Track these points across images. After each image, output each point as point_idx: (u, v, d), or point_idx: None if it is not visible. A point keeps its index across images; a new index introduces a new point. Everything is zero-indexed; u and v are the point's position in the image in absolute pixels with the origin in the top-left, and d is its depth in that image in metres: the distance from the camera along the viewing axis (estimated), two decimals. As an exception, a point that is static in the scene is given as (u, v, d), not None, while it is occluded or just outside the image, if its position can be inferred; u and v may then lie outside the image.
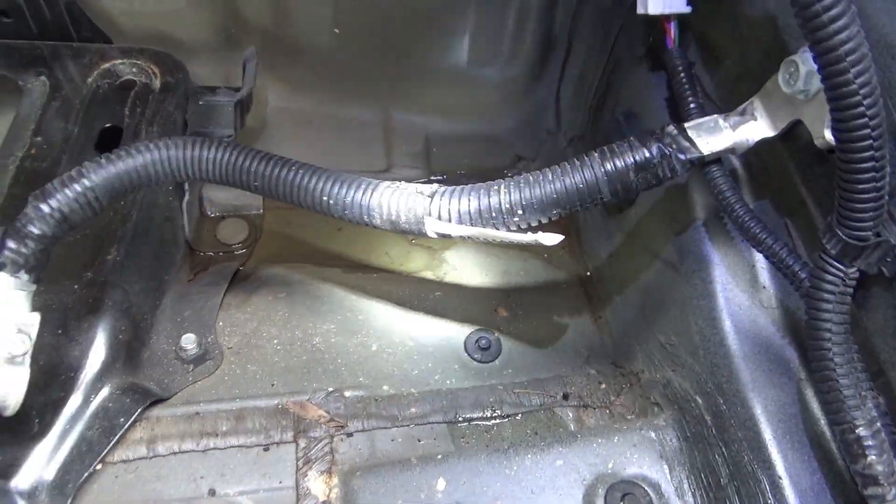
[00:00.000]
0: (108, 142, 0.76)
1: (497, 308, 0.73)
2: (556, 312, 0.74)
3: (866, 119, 0.36)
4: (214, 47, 0.86)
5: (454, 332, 0.70)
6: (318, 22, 0.80)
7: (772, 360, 0.51)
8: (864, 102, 0.36)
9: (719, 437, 0.52)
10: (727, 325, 0.53)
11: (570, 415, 0.63)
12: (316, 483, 0.58)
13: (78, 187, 0.53)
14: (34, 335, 0.53)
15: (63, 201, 0.53)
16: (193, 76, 0.83)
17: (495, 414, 0.63)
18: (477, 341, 0.69)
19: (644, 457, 0.56)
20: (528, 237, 0.47)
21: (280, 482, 0.59)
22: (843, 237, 0.40)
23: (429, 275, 0.78)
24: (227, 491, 0.58)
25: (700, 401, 0.54)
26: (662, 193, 0.62)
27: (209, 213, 0.84)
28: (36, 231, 0.53)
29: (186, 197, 0.78)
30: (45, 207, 0.53)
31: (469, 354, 0.69)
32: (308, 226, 0.84)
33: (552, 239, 0.48)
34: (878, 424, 0.41)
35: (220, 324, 0.70)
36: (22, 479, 0.55)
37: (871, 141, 0.37)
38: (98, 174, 0.54)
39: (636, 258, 0.66)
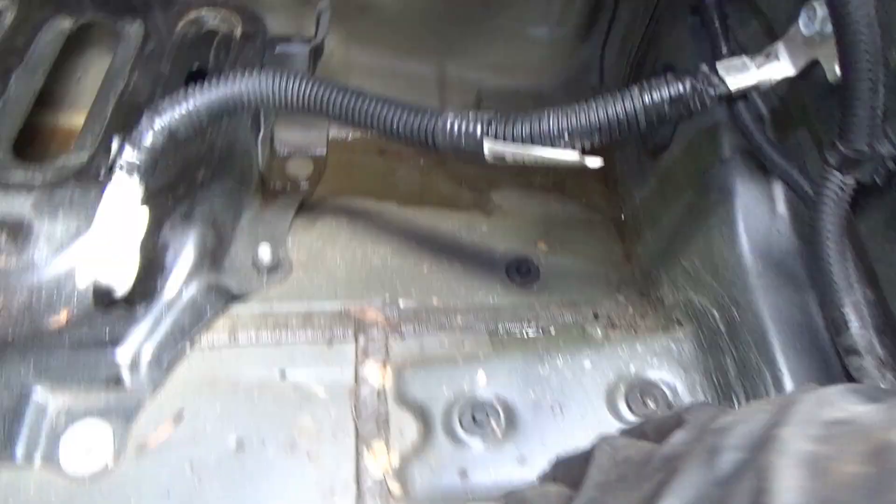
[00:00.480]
0: (195, 82, 0.85)
1: (537, 242, 0.81)
2: (591, 248, 0.81)
3: (864, 48, 0.43)
4: (288, 2, 0.95)
5: (497, 258, 0.78)
6: (386, -20, 0.89)
7: (783, 277, 0.58)
8: (863, 36, 0.43)
9: (731, 342, 0.59)
10: (745, 247, 0.59)
11: (599, 332, 0.71)
12: (372, 372, 0.67)
13: (185, 107, 0.63)
14: (144, 226, 0.63)
15: (172, 118, 0.62)
16: (268, 27, 0.92)
17: (531, 327, 0.71)
18: (518, 267, 0.77)
19: (663, 362, 0.63)
20: (573, 155, 0.55)
21: (341, 371, 0.68)
22: (843, 150, 0.47)
23: (476, 212, 0.85)
24: (296, 375, 0.67)
25: (716, 314, 0.61)
26: (693, 139, 0.69)
27: (279, 151, 0.93)
28: (148, 142, 0.62)
29: (261, 133, 0.87)
30: (156, 122, 0.62)
31: (510, 278, 0.76)
32: (366, 166, 0.93)
33: (594, 161, 0.55)
34: (864, 308, 0.47)
35: (290, 243, 0.79)
36: (126, 349, 0.65)
37: (867, 66, 0.43)
38: (202, 96, 0.63)
39: (667, 199, 0.73)
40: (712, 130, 0.66)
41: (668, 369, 0.63)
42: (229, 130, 0.80)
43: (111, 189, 0.62)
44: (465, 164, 0.90)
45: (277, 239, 0.78)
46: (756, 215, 0.60)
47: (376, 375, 0.67)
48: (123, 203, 0.62)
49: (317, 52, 0.86)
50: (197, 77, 0.85)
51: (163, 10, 0.90)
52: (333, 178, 0.91)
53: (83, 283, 0.61)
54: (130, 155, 0.62)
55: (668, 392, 0.61)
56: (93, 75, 0.93)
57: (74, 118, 0.93)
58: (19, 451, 0.60)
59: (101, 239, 0.60)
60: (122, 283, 0.62)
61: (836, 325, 0.48)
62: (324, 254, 0.78)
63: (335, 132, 0.96)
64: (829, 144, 0.49)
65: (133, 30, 0.88)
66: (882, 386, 0.46)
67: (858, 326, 0.47)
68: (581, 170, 0.88)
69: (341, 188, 0.89)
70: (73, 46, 0.89)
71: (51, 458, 0.61)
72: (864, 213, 0.50)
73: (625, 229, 0.83)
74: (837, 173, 0.48)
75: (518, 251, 0.79)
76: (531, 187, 0.89)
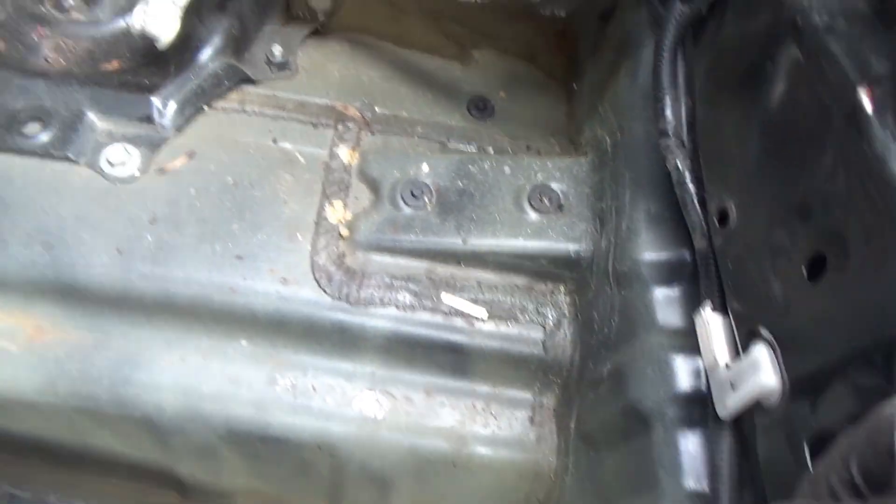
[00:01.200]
0: None
1: (500, 91, 0.98)
2: (542, 104, 0.97)
3: None
4: None
5: (463, 94, 0.95)
6: None
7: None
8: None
9: (613, 160, 0.77)
10: (641, 85, 0.76)
11: (524, 155, 0.89)
12: (343, 152, 0.86)
13: None
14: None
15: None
16: None
17: (473, 145, 0.90)
18: (477, 104, 0.94)
19: (564, 176, 0.81)
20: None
21: (319, 147, 0.87)
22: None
23: (455, 62, 1.02)
24: (285, 143, 0.86)
25: (608, 139, 0.79)
26: (623, 7, 0.84)
27: (306, -16, 1.09)
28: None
29: (294, -38, 1.03)
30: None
31: (469, 111, 0.94)
32: (376, 12, 1.08)
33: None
34: (682, 105, 0.64)
35: (300, 53, 0.97)
36: (159, 97, 0.84)
37: None
38: None
39: (600, 64, 0.89)
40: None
41: (566, 182, 0.81)
42: (266, -51, 0.97)
43: (167, -39, 0.79)
44: (461, 18, 1.06)
45: (289, 46, 0.95)
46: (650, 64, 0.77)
47: (346, 155, 0.86)
48: (174, -23, 0.79)
49: None
50: None
51: None
52: (345, 16, 1.07)
53: (136, 25, 0.79)
54: (185, -60, 0.79)
55: (561, 196, 0.80)
56: None
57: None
58: (71, 152, 0.80)
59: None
60: (164, 35, 0.80)
61: (657, 114, 0.65)
62: (325, 66, 0.96)
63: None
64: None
65: None
66: None
67: (671, 114, 0.64)
68: (552, 46, 1.05)
69: (351, 26, 1.05)
70: None
71: (93, 162, 0.81)
72: (698, 43, 0.67)
73: (573, 97, 1.00)
74: (678, 2, 0.65)
75: (482, 93, 0.96)
76: (506, 52, 1.05)
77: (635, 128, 0.75)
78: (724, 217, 0.61)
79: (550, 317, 0.79)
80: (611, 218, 0.74)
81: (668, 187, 0.68)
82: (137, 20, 0.79)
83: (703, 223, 0.62)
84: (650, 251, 0.69)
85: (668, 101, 0.65)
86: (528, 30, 1.08)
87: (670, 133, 0.64)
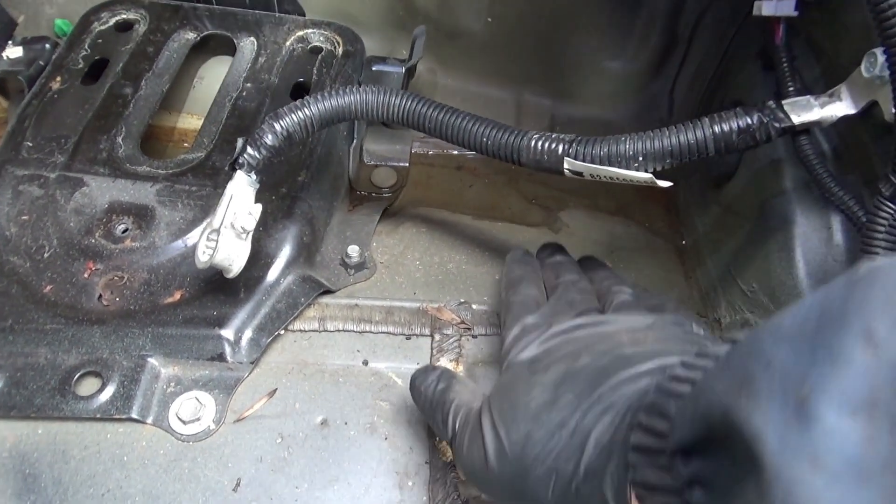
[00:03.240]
0: (298, 93, 0.94)
1: (603, 260, 0.86)
2: (652, 269, 0.86)
3: None
4: (384, 26, 1.03)
5: (564, 273, 0.84)
6: (476, 10, 0.96)
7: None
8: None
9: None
10: (802, 272, 0.64)
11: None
12: (446, 366, 0.73)
13: (301, 114, 0.71)
14: (257, 219, 0.71)
15: (290, 122, 0.70)
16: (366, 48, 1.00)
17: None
18: (583, 281, 0.82)
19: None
20: (646, 175, 0.60)
21: (418, 363, 0.74)
22: (895, 182, 0.52)
23: (544, 228, 0.91)
24: (377, 364, 0.74)
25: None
26: (757, 171, 0.73)
27: (367, 161, 1.01)
28: (268, 142, 0.70)
29: (353, 144, 0.95)
30: (276, 125, 0.70)
31: (575, 291, 0.82)
32: (444, 180, 1.00)
33: (664, 183, 0.61)
34: None
35: (374, 245, 0.87)
36: (230, 329, 0.73)
37: None
38: (316, 105, 0.71)
39: (728, 227, 0.78)
40: (775, 164, 0.70)
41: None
42: (327, 139, 0.88)
43: (233, 183, 0.70)
44: (541, 178, 0.96)
45: (363, 241, 0.85)
46: (813, 243, 0.65)
47: (450, 369, 0.73)
48: (242, 196, 0.70)
49: (410, 73, 0.94)
50: (300, 89, 0.94)
51: (273, 27, 0.99)
52: (414, 188, 0.98)
53: (203, 261, 0.69)
54: (252, 154, 0.70)
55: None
56: (206, 83, 1.03)
57: (186, 120, 1.04)
58: (135, 409, 0.69)
59: (221, 226, 0.69)
60: (235, 266, 0.70)
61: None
62: (404, 257, 0.85)
63: (417, 147, 1.03)
64: (883, 177, 0.53)
65: (247, 44, 0.98)
66: None
67: None
68: (645, 197, 0.95)
69: (421, 199, 0.96)
70: (192, 57, 0.99)
71: (161, 419, 0.69)
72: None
73: (685, 255, 0.88)
74: (889, 203, 0.52)
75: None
76: (597, 209, 0.94)
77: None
78: None
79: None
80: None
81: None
82: (203, 255, 0.69)
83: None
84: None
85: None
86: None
87: None
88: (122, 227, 0.80)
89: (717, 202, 0.81)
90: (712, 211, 0.82)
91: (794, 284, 0.64)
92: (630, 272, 0.85)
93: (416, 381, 0.65)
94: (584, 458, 0.46)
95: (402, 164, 1.01)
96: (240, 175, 0.71)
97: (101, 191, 0.82)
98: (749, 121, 0.59)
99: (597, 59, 0.98)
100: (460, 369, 0.73)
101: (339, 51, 0.98)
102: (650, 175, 0.60)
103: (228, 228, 0.69)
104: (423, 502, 0.65)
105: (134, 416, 0.68)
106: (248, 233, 0.70)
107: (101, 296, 0.75)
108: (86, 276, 0.76)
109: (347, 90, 0.72)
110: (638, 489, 0.41)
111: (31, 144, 0.86)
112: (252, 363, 0.73)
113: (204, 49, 1.02)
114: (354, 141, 0.95)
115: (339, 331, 0.77)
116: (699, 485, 0.35)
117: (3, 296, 0.74)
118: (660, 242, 0.90)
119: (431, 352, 0.75)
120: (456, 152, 1.03)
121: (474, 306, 0.79)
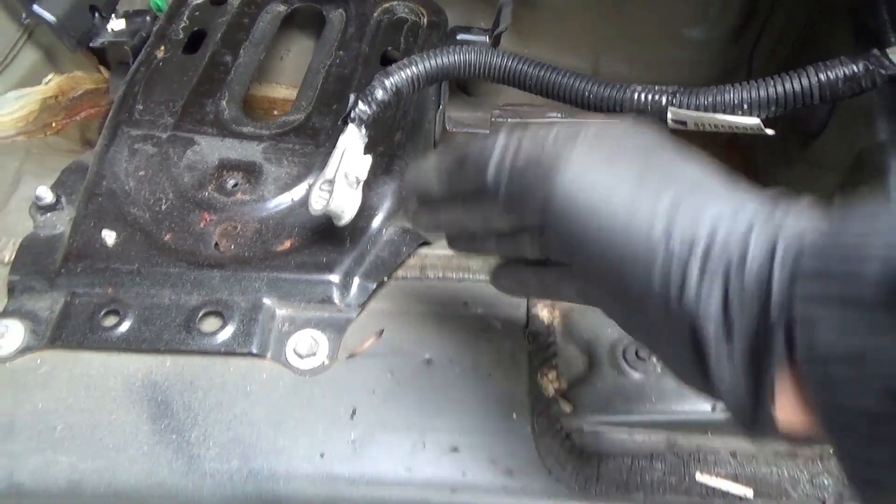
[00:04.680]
0: (386, 61, 0.99)
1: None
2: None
3: None
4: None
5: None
6: (554, -22, 1.00)
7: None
8: None
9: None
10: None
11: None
12: (543, 312, 0.77)
13: (410, 71, 0.75)
14: (367, 169, 0.75)
15: (399, 79, 0.75)
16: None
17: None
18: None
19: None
20: (753, 121, 0.63)
21: (515, 310, 0.78)
22: None
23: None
24: (477, 309, 0.78)
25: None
26: (848, 124, 0.76)
27: (449, 128, 1.05)
28: (379, 97, 0.75)
29: (440, 109, 0.99)
30: (387, 81, 0.75)
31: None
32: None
33: (770, 130, 0.64)
34: None
35: (464, 203, 0.91)
36: (338, 275, 0.78)
37: None
38: (423, 63, 0.76)
39: (815, 180, 0.80)
40: (868, 115, 0.72)
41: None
42: (419, 103, 0.93)
43: (345, 136, 0.75)
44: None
45: (455, 198, 0.89)
46: (904, 192, 0.67)
47: (546, 315, 0.77)
48: (353, 148, 0.74)
49: (496, 42, 0.98)
50: (388, 60, 0.99)
51: (359, 1, 1.04)
52: (495, 154, 1.02)
53: (317, 209, 0.73)
54: (363, 108, 0.74)
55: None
56: (295, 53, 1.08)
57: (277, 90, 1.09)
58: (255, 345, 0.74)
59: (335, 176, 0.73)
60: (346, 214, 0.74)
61: None
62: (494, 214, 0.89)
63: (496, 115, 1.07)
64: None
65: (335, 16, 1.02)
66: None
67: None
68: (724, 158, 0.97)
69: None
70: (281, 30, 1.04)
71: (279, 354, 0.74)
72: None
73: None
74: None
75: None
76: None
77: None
78: None
79: (830, 488, 0.66)
80: None
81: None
82: (317, 202, 0.73)
83: None
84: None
85: None
86: (692, 144, 1.00)
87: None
88: (232, 181, 0.85)
89: (802, 159, 0.83)
90: (797, 168, 0.85)
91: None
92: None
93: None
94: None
95: (482, 132, 1.05)
96: (351, 128, 0.75)
97: (211, 149, 0.87)
98: (855, 68, 0.61)
99: (675, 25, 1.01)
100: (556, 314, 0.77)
101: (424, 21, 1.02)
102: (758, 120, 0.63)
103: (342, 178, 0.73)
104: (528, 432, 0.69)
105: (254, 351, 0.73)
106: (360, 182, 0.75)
107: (217, 244, 0.81)
108: (202, 225, 0.82)
109: (452, 49, 0.76)
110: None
111: (141, 108, 0.91)
112: (360, 306, 0.77)
113: (292, 22, 1.07)
114: (440, 106, 0.99)
115: (439, 279, 0.81)
116: None
117: (129, 242, 0.80)
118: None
119: (528, 300, 0.78)
120: (532, 120, 1.06)
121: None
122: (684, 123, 0.67)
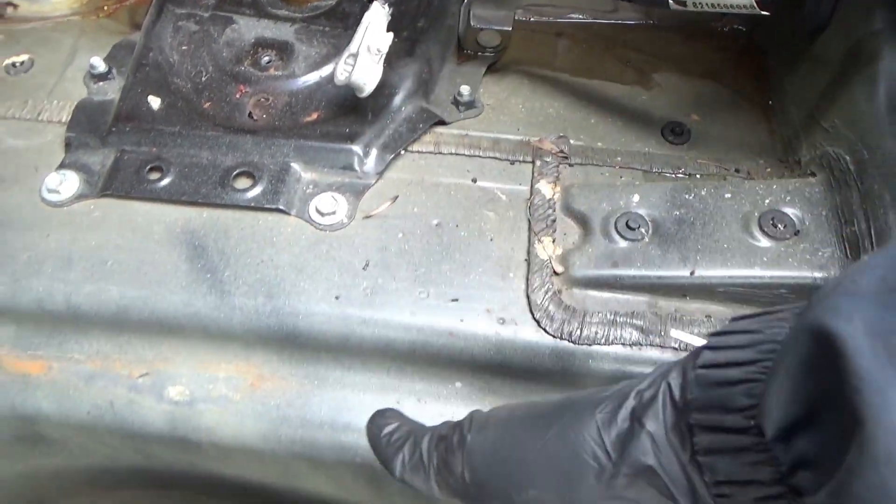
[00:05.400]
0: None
1: (691, 114, 0.94)
2: (738, 123, 0.92)
3: None
4: None
5: (654, 120, 0.91)
6: None
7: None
8: None
9: (858, 177, 0.70)
10: (884, 101, 0.70)
11: (739, 178, 0.83)
12: (545, 187, 0.83)
13: (432, -50, 0.80)
14: (388, 44, 0.81)
15: (422, -42, 0.80)
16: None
17: (680, 171, 0.85)
18: (672, 128, 0.90)
19: (794, 199, 0.75)
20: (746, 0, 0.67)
21: (519, 184, 0.85)
22: None
23: (638, 87, 0.99)
24: (484, 182, 0.85)
25: (848, 157, 0.72)
26: (848, 16, 0.78)
27: (473, 24, 1.09)
28: (402, -24, 0.80)
29: (465, 2, 1.04)
30: (410, -40, 0.80)
31: (664, 136, 0.90)
32: (545, 45, 1.07)
33: (766, 9, 0.68)
34: None
35: (481, 90, 0.96)
36: (359, 144, 0.85)
37: None
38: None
39: (815, 76, 0.83)
40: (869, 9, 0.75)
41: (799, 205, 0.75)
42: (443, -5, 0.97)
43: (369, 13, 0.80)
44: (636, 44, 1.03)
45: (473, 85, 0.95)
46: (891, 76, 0.70)
47: (548, 189, 0.83)
48: (377, 24, 0.80)
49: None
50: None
51: None
52: (516, 51, 1.06)
53: (341, 79, 0.80)
54: (387, -13, 0.80)
55: (796, 221, 0.74)
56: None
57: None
58: (281, 202, 0.82)
59: (359, 49, 0.79)
60: (368, 86, 0.81)
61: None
62: (508, 101, 0.95)
63: (520, 14, 1.11)
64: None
65: None
66: None
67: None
68: (736, 65, 1.00)
69: (522, 60, 1.04)
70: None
71: (303, 212, 0.82)
72: None
73: (771, 112, 0.94)
74: None
75: (673, 117, 0.92)
76: (689, 73, 1.00)
77: (888, 145, 0.68)
78: None
79: (793, 350, 0.72)
80: (868, 243, 0.67)
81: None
82: (342, 74, 0.80)
83: None
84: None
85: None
86: (707, 49, 1.03)
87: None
88: (266, 58, 0.92)
89: (808, 58, 0.86)
90: (801, 69, 0.88)
91: (876, 111, 0.70)
92: (717, 125, 0.92)
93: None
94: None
95: (505, 28, 1.09)
96: (376, 5, 0.81)
97: (248, 28, 0.94)
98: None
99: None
100: (558, 190, 0.83)
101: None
102: (752, 1, 0.67)
103: (365, 51, 0.79)
104: (522, 289, 0.77)
105: (281, 206, 0.81)
106: (381, 55, 0.81)
107: (251, 113, 0.88)
108: (237, 96, 0.89)
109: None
110: (722, 489, 0.38)
111: (185, -12, 0.98)
112: (378, 174, 0.85)
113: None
114: (465, 0, 1.04)
115: (451, 154, 0.87)
116: (803, 466, 0.33)
117: (172, 108, 0.88)
118: (746, 102, 0.96)
119: (532, 174, 0.85)
120: (555, 19, 1.10)
121: (572, 141, 0.88)
122: (684, 4, 0.71)
